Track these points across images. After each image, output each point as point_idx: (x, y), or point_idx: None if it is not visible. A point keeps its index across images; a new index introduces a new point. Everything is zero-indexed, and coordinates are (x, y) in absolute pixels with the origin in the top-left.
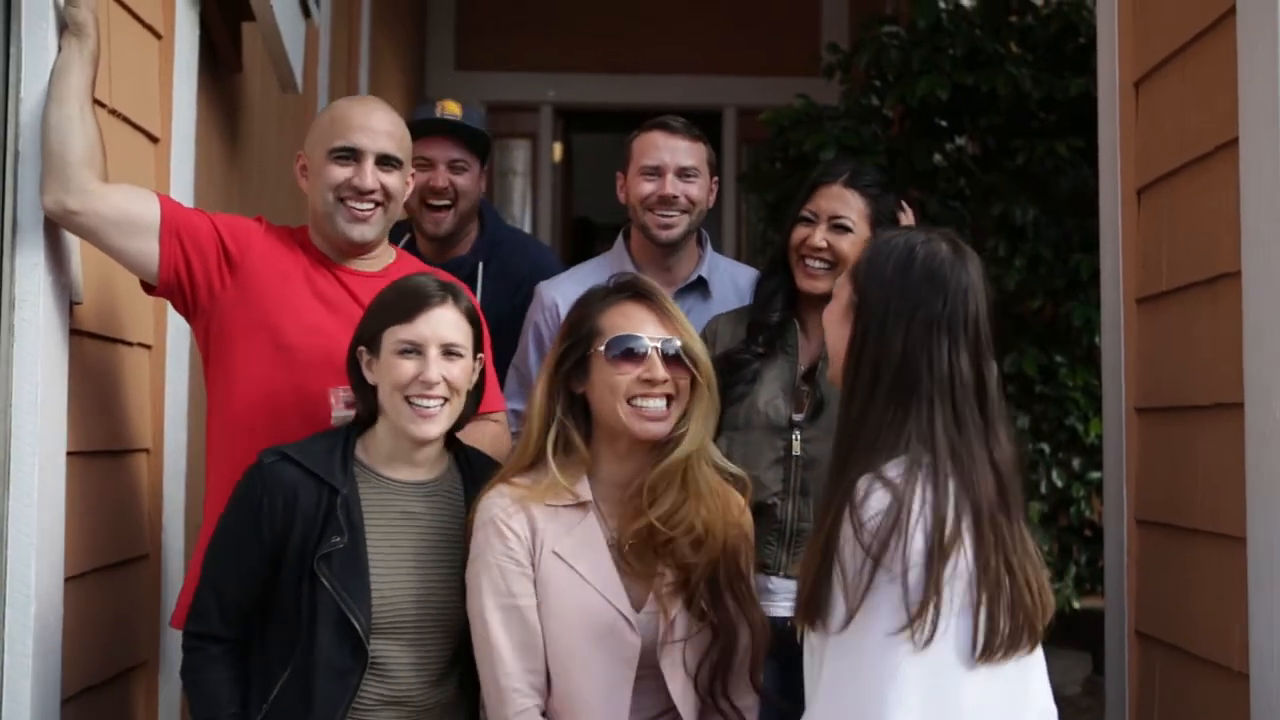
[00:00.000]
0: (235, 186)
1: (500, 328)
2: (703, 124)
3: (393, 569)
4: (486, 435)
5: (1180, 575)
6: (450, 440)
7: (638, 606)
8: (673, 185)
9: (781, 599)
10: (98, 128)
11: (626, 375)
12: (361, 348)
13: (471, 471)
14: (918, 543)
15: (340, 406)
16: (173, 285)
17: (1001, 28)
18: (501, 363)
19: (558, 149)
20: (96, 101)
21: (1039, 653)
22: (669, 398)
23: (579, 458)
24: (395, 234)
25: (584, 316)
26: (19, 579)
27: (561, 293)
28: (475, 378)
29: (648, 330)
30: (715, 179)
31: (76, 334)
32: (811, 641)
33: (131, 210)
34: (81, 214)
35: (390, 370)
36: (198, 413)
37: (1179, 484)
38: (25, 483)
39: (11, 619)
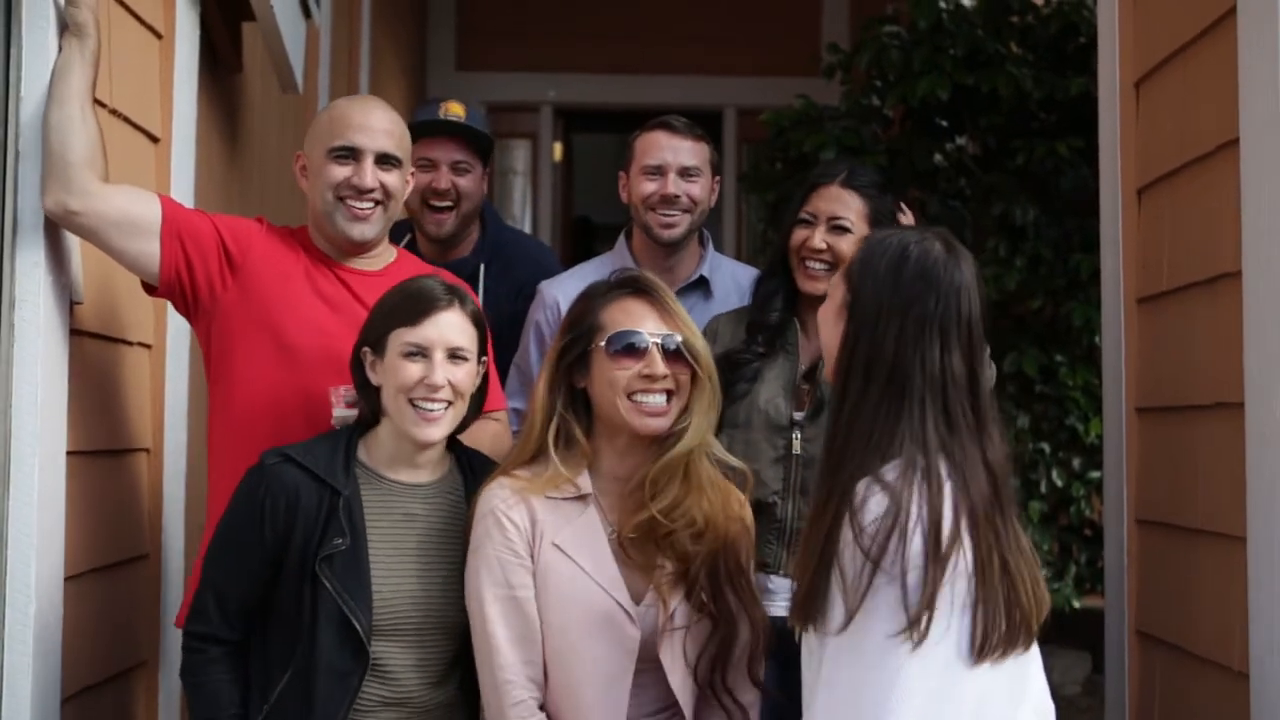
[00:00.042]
0: (235, 186)
1: (501, 329)
2: (703, 124)
3: (394, 571)
4: (487, 434)
5: (1180, 575)
6: (452, 442)
7: (637, 599)
8: (675, 185)
9: (781, 598)
10: (99, 128)
11: (627, 370)
12: (366, 349)
13: (473, 473)
14: (917, 545)
15: (341, 405)
16: (174, 286)
17: (1002, 28)
18: (503, 363)
19: (558, 149)
20: (97, 101)
21: (1035, 650)
22: (669, 393)
23: (580, 451)
24: (396, 234)
25: (586, 311)
26: (19, 578)
27: (563, 291)
28: (478, 381)
29: (648, 326)
30: (717, 179)
31: (77, 334)
32: (810, 642)
33: (133, 211)
34: (83, 215)
35: (395, 372)
36: (198, 412)
37: (1179, 484)
38: (25, 482)
39: (11, 618)
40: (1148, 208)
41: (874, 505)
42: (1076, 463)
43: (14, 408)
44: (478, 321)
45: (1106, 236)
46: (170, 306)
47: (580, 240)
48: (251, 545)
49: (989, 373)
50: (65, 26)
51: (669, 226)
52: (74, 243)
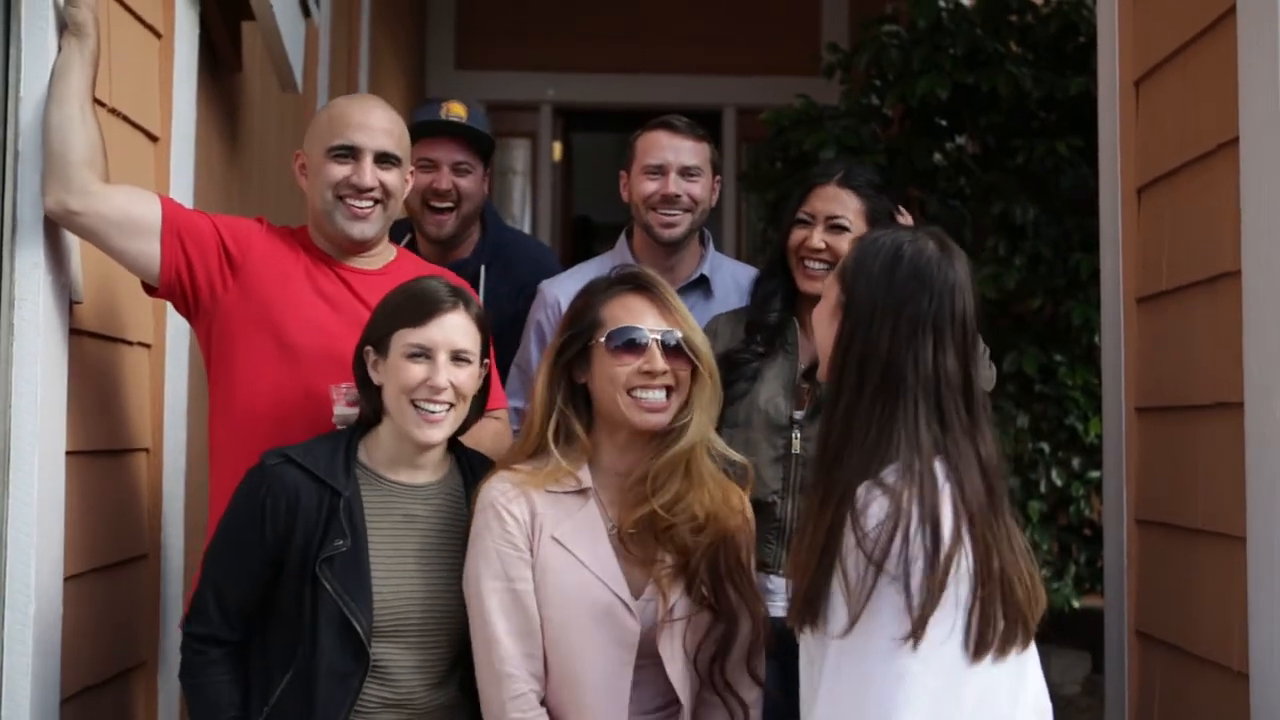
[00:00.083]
0: (235, 186)
1: (502, 330)
2: (703, 123)
3: (394, 572)
4: (488, 432)
5: (1180, 575)
6: (452, 443)
7: (637, 593)
8: (676, 184)
9: (781, 598)
10: (99, 128)
11: (627, 366)
12: (369, 348)
13: (473, 474)
14: (919, 547)
15: (342, 403)
16: (174, 286)
17: (1001, 27)
18: (504, 364)
19: (557, 148)
20: (96, 101)
21: (1033, 648)
22: (669, 389)
23: (580, 447)
24: (396, 234)
25: (586, 307)
26: (18, 578)
27: (564, 291)
28: (479, 383)
29: (648, 322)
30: (718, 178)
31: (76, 333)
32: (808, 644)
33: (133, 211)
34: (83, 215)
35: (398, 373)
36: (197, 412)
37: (1179, 483)
38: (25, 482)
39: (11, 618)
40: (1147, 207)
41: (876, 509)
42: (1076, 462)
43: (14, 407)
44: (481, 324)
45: (1106, 236)
46: (170, 306)
47: (580, 240)
48: (252, 546)
49: (990, 374)
50: (64, 26)
51: (670, 226)
52: (73, 242)
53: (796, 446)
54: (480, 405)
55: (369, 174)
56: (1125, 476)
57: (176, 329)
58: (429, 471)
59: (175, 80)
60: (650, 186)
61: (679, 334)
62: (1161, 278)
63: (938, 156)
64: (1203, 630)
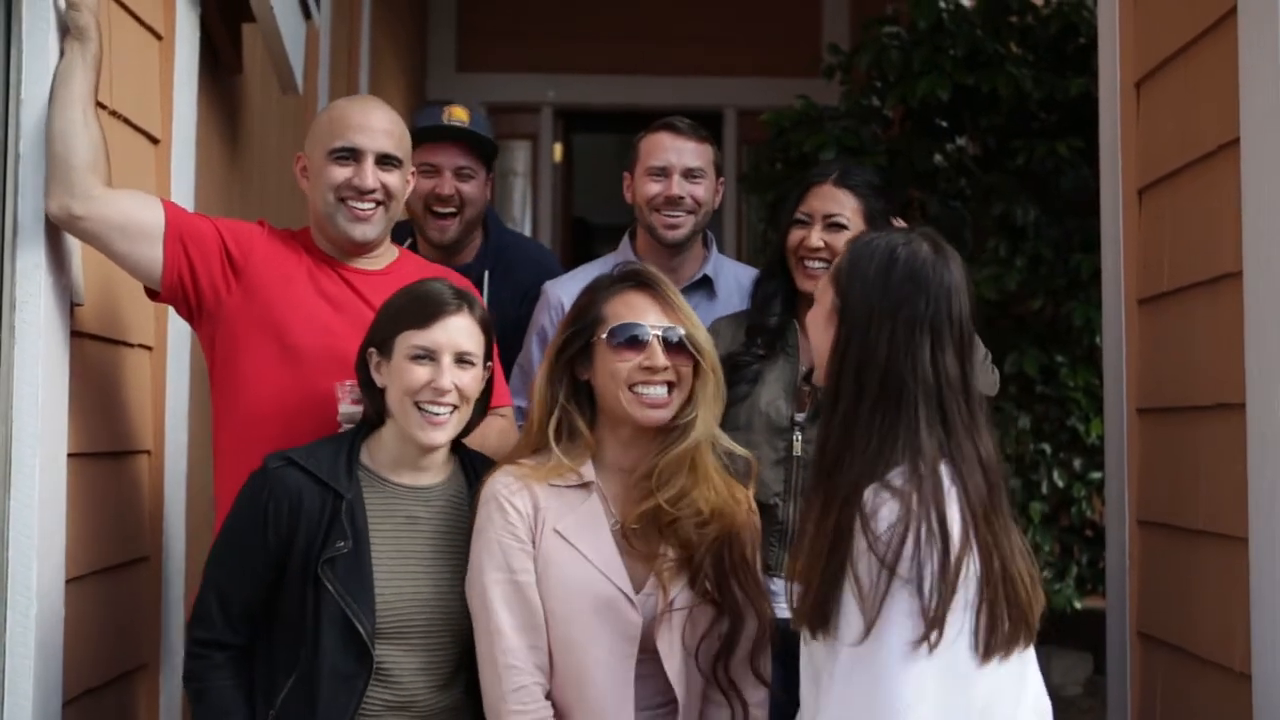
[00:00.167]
0: (236, 188)
1: (506, 334)
2: (703, 125)
3: (397, 574)
4: (494, 429)
5: (1182, 576)
6: (455, 445)
7: (639, 588)
8: (679, 186)
9: (784, 599)
10: (101, 132)
11: (628, 362)
12: (372, 350)
13: (477, 477)
14: (931, 549)
15: (347, 401)
16: (176, 290)
17: (1002, 28)
18: (508, 367)
19: (558, 150)
20: (98, 104)
21: (1031, 648)
22: (670, 385)
23: (583, 443)
24: (397, 237)
25: (589, 304)
26: (20, 581)
27: (567, 292)
28: (483, 385)
29: (650, 319)
30: (721, 180)
31: (77, 335)
32: (812, 649)
33: (136, 216)
34: (86, 219)
35: (402, 375)
36: (199, 414)
37: (1180, 484)
38: (26, 484)
39: (13, 621)
40: (1148, 208)
41: (886, 513)
42: (1077, 463)
43: (15, 409)
44: (485, 326)
45: (1107, 236)
46: (171, 308)
47: (578, 241)
48: (255, 549)
49: (993, 378)
50: (66, 30)
51: (673, 227)
52: (75, 245)
53: (798, 449)
54: (483, 407)
55: (370, 176)
56: (1127, 477)
57: (177, 331)
58: (432, 474)
59: (176, 82)
60: (654, 188)
61: (681, 330)
62: (1163, 278)
63: (938, 158)
64: (1205, 631)
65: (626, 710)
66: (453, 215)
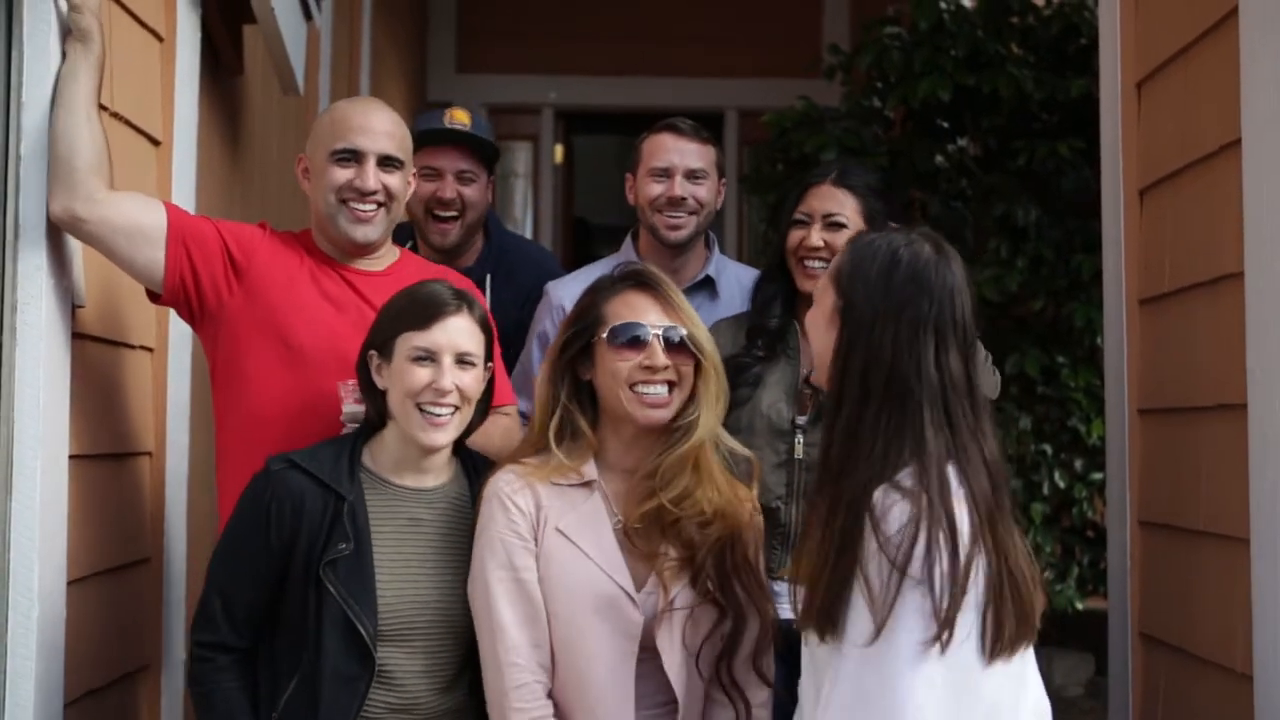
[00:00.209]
0: (237, 189)
1: (508, 336)
2: (704, 126)
3: (399, 576)
4: (498, 428)
5: (1183, 577)
6: (458, 447)
7: (639, 587)
8: (681, 187)
9: (787, 601)
10: (105, 134)
11: (628, 362)
12: (372, 352)
13: (479, 478)
14: (941, 550)
15: (350, 400)
16: (178, 293)
17: (1003, 29)
18: (510, 368)
19: (559, 151)
20: (99, 105)
21: (1030, 649)
22: (671, 384)
23: (585, 442)
24: (398, 239)
25: (590, 304)
26: (21, 582)
27: (569, 294)
28: (484, 385)
29: (650, 318)
30: (723, 181)
31: (78, 337)
32: (815, 653)
33: (139, 218)
34: (89, 222)
35: (403, 376)
36: (200, 416)
37: (1182, 485)
38: (27, 486)
39: (14, 622)
40: (1149, 208)
41: (897, 514)
42: (1079, 464)
43: (16, 411)
44: (485, 326)
45: (1108, 237)
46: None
47: (580, 243)
48: (257, 551)
49: (994, 380)
50: (68, 31)
51: (676, 228)
52: (76, 246)
53: (799, 451)
54: (484, 407)
55: (372, 177)
56: (1128, 478)
57: (178, 333)
58: (434, 475)
59: (177, 84)
60: (656, 189)
61: (682, 330)
62: (1164, 279)
63: (939, 158)
64: (1206, 632)
65: (627, 709)
66: (454, 219)
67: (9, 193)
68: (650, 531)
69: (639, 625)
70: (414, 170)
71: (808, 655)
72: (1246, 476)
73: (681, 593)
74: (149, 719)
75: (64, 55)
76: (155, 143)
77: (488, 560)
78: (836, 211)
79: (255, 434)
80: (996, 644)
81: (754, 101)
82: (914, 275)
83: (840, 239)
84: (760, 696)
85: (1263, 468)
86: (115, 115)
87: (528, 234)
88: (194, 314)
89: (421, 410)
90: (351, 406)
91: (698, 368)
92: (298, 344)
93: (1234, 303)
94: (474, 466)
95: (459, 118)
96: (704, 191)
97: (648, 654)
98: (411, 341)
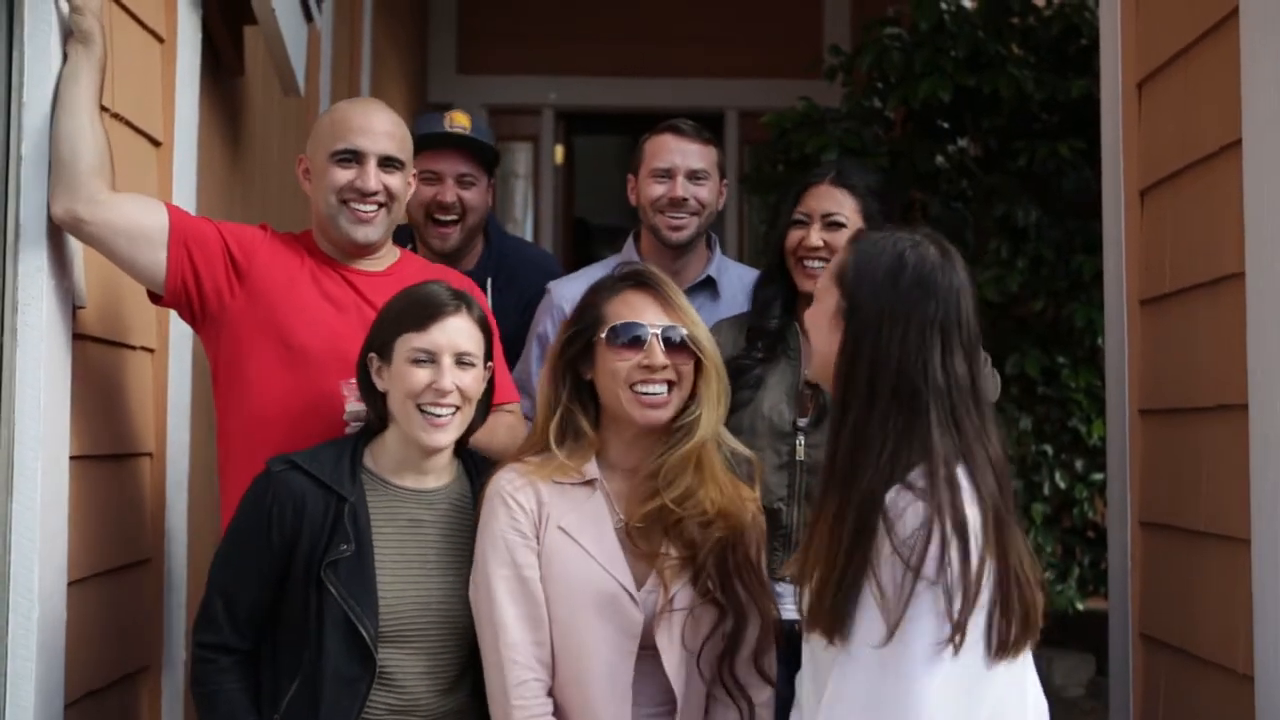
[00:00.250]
0: (238, 190)
1: (509, 339)
2: (705, 126)
3: (400, 577)
4: (503, 425)
5: (1184, 577)
6: (459, 448)
7: (640, 586)
8: (683, 188)
9: (789, 602)
10: (106, 136)
11: (628, 361)
12: (372, 354)
13: (480, 479)
14: (955, 551)
15: (353, 399)
16: (180, 295)
17: (1003, 29)
18: (512, 368)
19: (559, 151)
20: (100, 106)
21: (1028, 650)
22: (670, 384)
23: (587, 442)
24: (397, 241)
25: (590, 304)
26: (22, 583)
27: (570, 294)
28: (484, 385)
29: (650, 318)
30: (725, 181)
31: (79, 338)
32: (818, 652)
33: (141, 220)
34: (91, 223)
35: (403, 378)
36: (200, 416)
37: (1183, 486)
38: (28, 487)
39: (15, 623)
40: (1150, 209)
41: (911, 515)
42: (1079, 465)
43: (17, 412)
44: (484, 326)
45: (1109, 238)
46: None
47: (580, 243)
48: (259, 552)
49: (995, 382)
50: (69, 33)
51: (677, 229)
52: (77, 247)
53: (801, 453)
54: (485, 407)
55: (373, 178)
56: (1129, 479)
57: (179, 333)
58: (435, 476)
59: (178, 85)
60: (658, 190)
61: (682, 330)
62: (1164, 280)
63: (940, 159)
64: (1207, 632)
65: (626, 707)
66: (454, 223)
67: (10, 194)
68: (652, 531)
69: (639, 624)
70: (414, 171)
71: (809, 656)
72: (1247, 477)
73: (682, 592)
74: (149, 719)
75: (65, 57)
76: (156, 144)
77: (490, 558)
78: (835, 211)
79: (257, 435)
80: (1001, 645)
81: (754, 102)
82: (920, 278)
83: (839, 239)
84: (763, 696)
85: (1263, 468)
86: (116, 116)
87: (528, 235)
88: (195, 315)
89: (422, 411)
90: (354, 405)
91: (699, 367)
92: (299, 345)
93: (1235, 303)
94: (475, 468)
95: (459, 121)
96: (706, 192)
97: (648, 653)
98: (410, 343)
